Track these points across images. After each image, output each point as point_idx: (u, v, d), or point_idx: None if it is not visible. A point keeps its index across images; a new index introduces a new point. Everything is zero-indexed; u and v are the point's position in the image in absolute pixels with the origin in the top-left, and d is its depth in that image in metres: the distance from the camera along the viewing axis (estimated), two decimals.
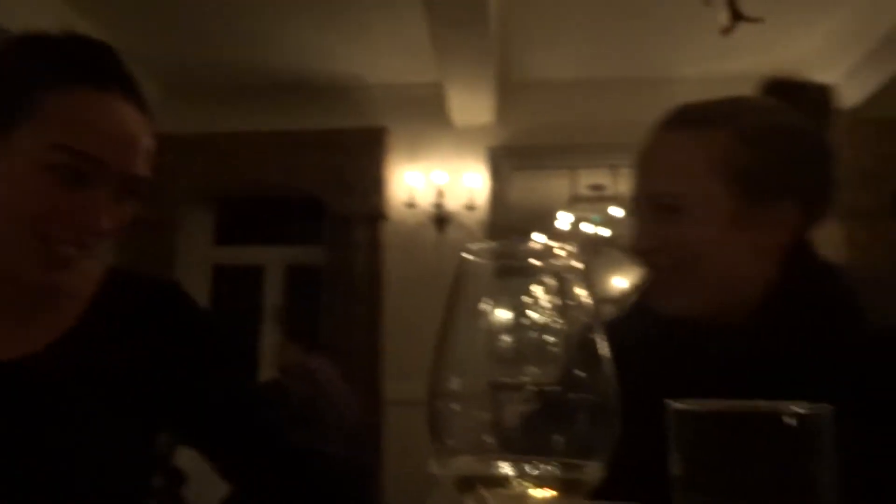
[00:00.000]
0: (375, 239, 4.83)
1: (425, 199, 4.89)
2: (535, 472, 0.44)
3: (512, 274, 0.49)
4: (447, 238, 4.90)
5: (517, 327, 0.47)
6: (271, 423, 1.04)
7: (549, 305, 0.47)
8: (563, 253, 0.48)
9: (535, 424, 0.44)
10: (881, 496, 0.74)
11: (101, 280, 1.01)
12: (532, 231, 4.94)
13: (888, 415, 0.80)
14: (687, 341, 0.96)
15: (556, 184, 4.98)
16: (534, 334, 0.47)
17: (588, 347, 0.46)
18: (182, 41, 4.55)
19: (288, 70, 4.86)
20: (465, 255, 0.48)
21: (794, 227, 0.94)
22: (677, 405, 0.41)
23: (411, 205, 4.86)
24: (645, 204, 0.97)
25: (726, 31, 2.93)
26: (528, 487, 0.43)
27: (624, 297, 1.16)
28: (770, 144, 0.94)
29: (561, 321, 0.47)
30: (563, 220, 4.92)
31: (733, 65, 4.62)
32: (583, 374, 0.45)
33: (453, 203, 4.89)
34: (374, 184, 4.88)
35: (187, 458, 1.11)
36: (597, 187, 5.01)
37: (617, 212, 4.94)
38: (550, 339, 0.47)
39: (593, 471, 0.44)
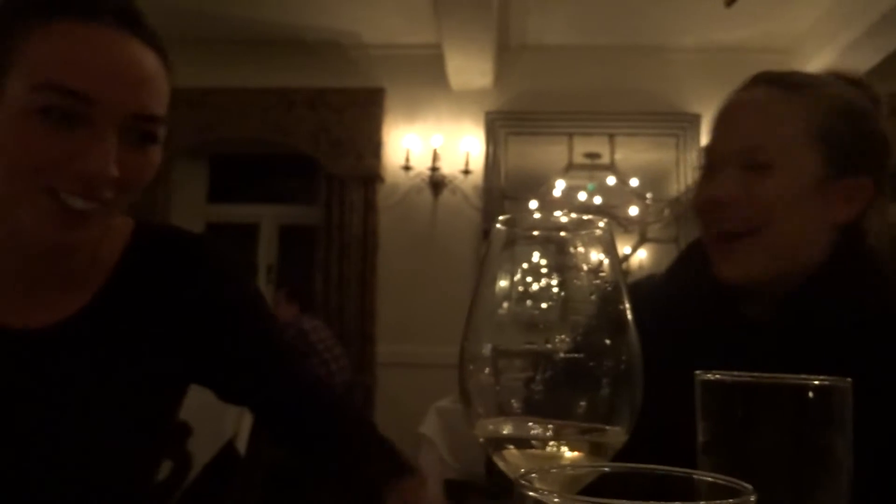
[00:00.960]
0: (370, 201, 4.83)
1: (421, 162, 4.88)
2: (561, 435, 0.46)
3: (540, 242, 0.50)
4: (442, 201, 4.91)
5: (545, 295, 0.49)
6: (309, 379, 1.04)
7: (576, 273, 0.49)
8: (591, 224, 0.50)
9: (561, 389, 0.46)
10: None
11: (128, 239, 0.97)
12: (526, 197, 4.95)
13: None
14: (728, 310, 0.97)
15: (552, 150, 4.97)
16: (561, 302, 0.49)
17: (613, 314, 0.48)
18: None
19: (285, 25, 4.79)
20: (497, 224, 0.50)
21: (863, 204, 0.95)
22: (705, 376, 0.43)
23: (407, 167, 4.85)
24: (731, 158, 0.94)
25: (729, 3, 2.92)
26: (554, 448, 0.45)
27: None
28: (858, 119, 0.95)
29: (587, 289, 0.49)
30: (558, 188, 4.93)
31: (733, 34, 4.61)
32: (607, 341, 0.47)
33: (449, 167, 4.89)
34: (369, 145, 4.86)
35: (190, 412, 1.11)
36: (593, 155, 5.01)
37: (611, 180, 4.96)
38: (577, 306, 0.48)
39: (616, 435, 0.46)
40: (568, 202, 4.91)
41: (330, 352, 4.02)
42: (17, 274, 0.90)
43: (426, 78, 4.90)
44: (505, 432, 0.46)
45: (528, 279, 0.49)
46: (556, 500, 0.26)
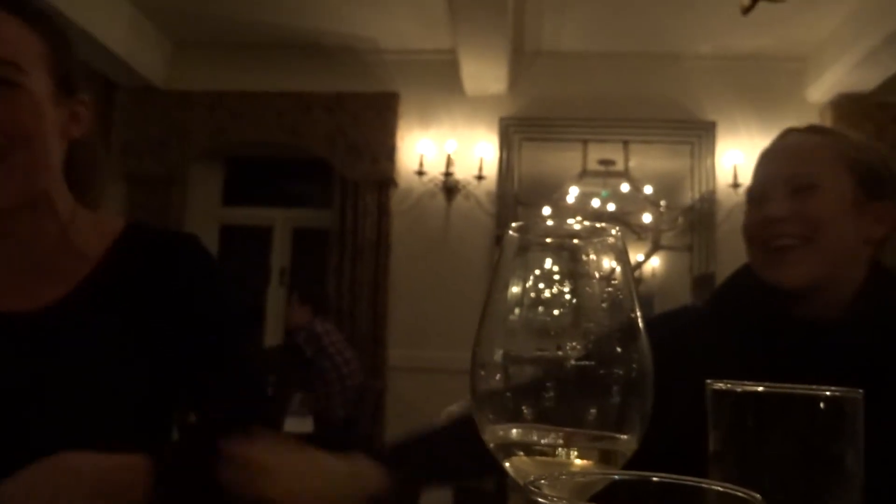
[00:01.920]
0: (384, 205, 4.84)
1: (435, 168, 4.88)
2: (572, 442, 0.46)
3: (553, 249, 0.51)
4: (455, 207, 4.91)
5: (557, 302, 0.49)
6: (249, 385, 1.05)
7: (588, 281, 0.49)
8: (603, 232, 0.50)
9: (571, 396, 0.46)
10: None
11: (117, 235, 1.02)
12: (540, 203, 4.94)
13: None
14: (779, 334, 1.10)
15: (566, 156, 4.96)
16: (572, 309, 0.49)
17: (625, 322, 0.48)
18: None
19: (302, 30, 4.82)
20: (509, 231, 0.50)
21: (891, 225, 1.12)
22: (717, 385, 0.43)
23: (421, 172, 4.86)
24: (780, 185, 1.11)
25: (746, 10, 2.91)
26: (564, 456, 0.45)
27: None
28: (876, 155, 1.15)
29: (599, 296, 0.49)
30: (572, 194, 4.92)
31: (750, 42, 4.58)
32: (618, 349, 0.47)
33: (462, 172, 4.89)
34: (384, 150, 4.88)
35: None
36: (607, 162, 4.99)
37: (625, 187, 4.94)
38: (589, 313, 0.48)
39: (627, 443, 0.46)
40: (581, 209, 4.90)
41: (341, 355, 4.03)
42: None
43: (441, 83, 4.92)
44: (515, 439, 0.46)
45: (541, 285, 0.49)
46: None
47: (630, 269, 0.51)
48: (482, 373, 0.48)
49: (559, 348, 0.47)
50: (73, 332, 0.95)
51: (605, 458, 0.46)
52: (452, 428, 1.03)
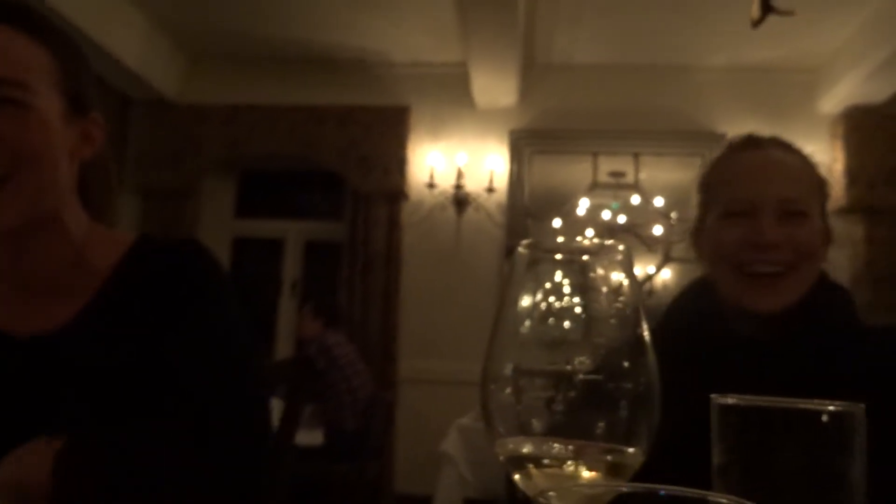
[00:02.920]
0: (395, 217, 4.86)
1: (446, 180, 4.90)
2: (580, 455, 0.46)
3: (562, 265, 0.52)
4: (466, 219, 4.92)
5: (567, 315, 0.50)
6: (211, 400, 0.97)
7: (596, 296, 0.50)
8: (610, 248, 0.51)
9: (581, 410, 0.47)
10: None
11: (127, 250, 1.01)
12: (550, 215, 4.95)
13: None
14: (729, 330, 1.11)
15: (577, 169, 4.97)
16: (582, 323, 0.50)
17: (632, 337, 0.49)
18: (210, 11, 4.57)
19: (314, 44, 4.87)
20: (519, 248, 0.51)
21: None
22: (721, 400, 0.44)
23: (431, 185, 4.88)
24: (771, 206, 1.07)
25: (757, 23, 2.92)
26: (573, 468, 0.46)
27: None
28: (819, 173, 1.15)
29: (607, 311, 0.50)
30: (582, 206, 4.93)
31: (761, 54, 4.59)
32: (626, 364, 0.48)
33: (473, 185, 4.91)
34: (395, 162, 4.90)
35: None
36: (617, 174, 5.00)
37: (636, 200, 4.94)
38: (598, 328, 0.49)
39: (634, 456, 0.47)
40: (592, 221, 4.90)
41: (352, 367, 4.04)
42: (1, 274, 0.96)
43: (451, 96, 4.94)
44: (525, 451, 0.47)
45: (551, 299, 0.50)
46: None
47: (638, 285, 0.51)
48: (493, 386, 0.49)
49: (569, 362, 0.48)
50: (88, 351, 0.94)
51: (614, 470, 0.47)
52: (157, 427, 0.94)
